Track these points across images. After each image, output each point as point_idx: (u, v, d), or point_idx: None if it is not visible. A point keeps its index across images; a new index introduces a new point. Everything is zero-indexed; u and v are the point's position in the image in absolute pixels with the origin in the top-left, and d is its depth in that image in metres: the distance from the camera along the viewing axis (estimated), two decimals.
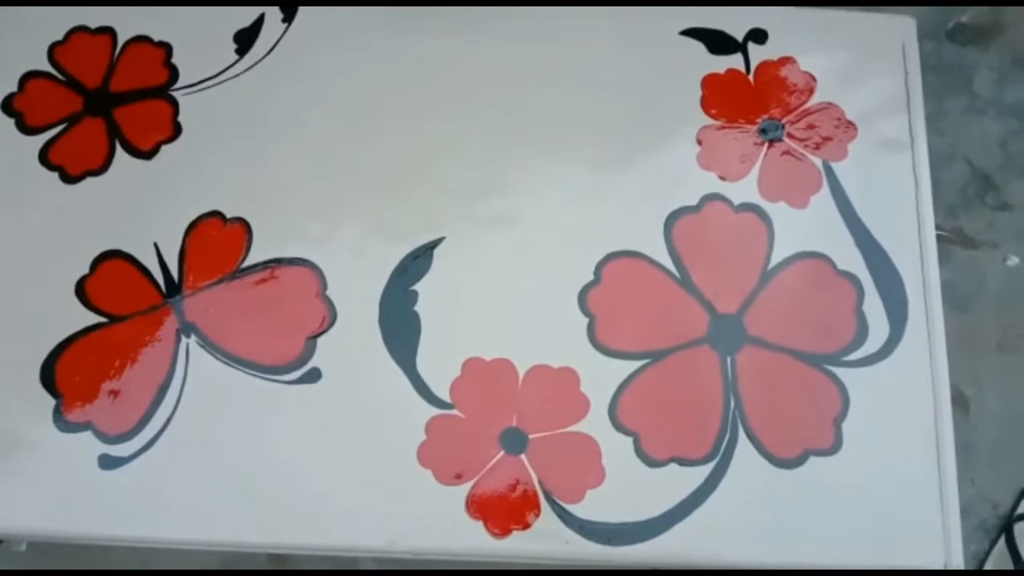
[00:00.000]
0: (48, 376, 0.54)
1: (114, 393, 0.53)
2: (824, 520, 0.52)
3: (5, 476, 0.52)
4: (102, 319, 0.55)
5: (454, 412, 0.53)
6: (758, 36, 0.63)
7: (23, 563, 0.58)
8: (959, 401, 0.77)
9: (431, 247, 0.57)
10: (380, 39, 0.62)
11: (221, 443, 0.52)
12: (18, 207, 0.58)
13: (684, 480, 0.52)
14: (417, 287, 0.56)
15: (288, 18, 0.62)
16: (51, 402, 0.53)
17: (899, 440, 0.53)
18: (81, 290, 0.55)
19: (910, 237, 0.57)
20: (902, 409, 0.54)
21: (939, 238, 0.59)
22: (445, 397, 0.53)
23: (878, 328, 0.55)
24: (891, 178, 0.59)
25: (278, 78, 0.61)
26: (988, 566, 0.82)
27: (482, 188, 0.59)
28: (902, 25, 0.63)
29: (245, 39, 0.62)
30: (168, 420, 0.53)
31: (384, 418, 0.53)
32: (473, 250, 0.57)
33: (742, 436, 0.53)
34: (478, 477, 0.52)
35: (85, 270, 0.56)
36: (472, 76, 0.61)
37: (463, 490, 0.52)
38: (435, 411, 0.53)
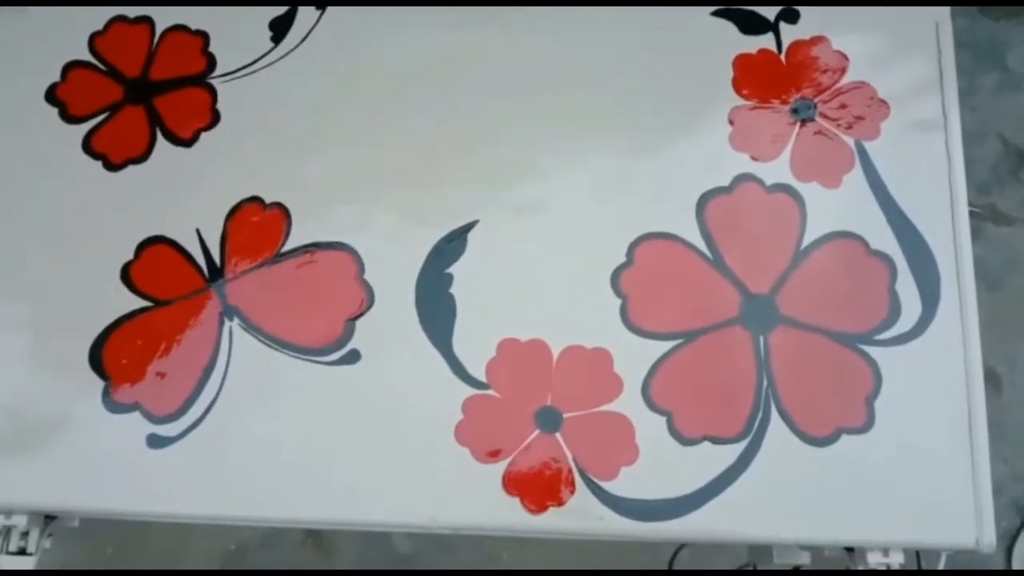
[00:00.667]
0: (96, 359, 0.55)
1: (160, 375, 0.55)
2: (856, 498, 0.52)
3: (58, 456, 0.53)
4: (147, 303, 0.56)
5: (490, 392, 0.54)
6: (790, 16, 0.62)
7: (76, 537, 0.60)
8: (991, 379, 0.77)
9: (465, 231, 0.58)
10: (412, 29, 0.63)
11: (264, 423, 0.54)
12: (63, 195, 0.59)
13: (717, 458, 0.52)
14: (452, 270, 0.57)
15: (321, 4, 0.63)
16: (100, 384, 0.55)
17: (931, 419, 0.53)
18: (127, 275, 0.57)
19: (943, 217, 0.57)
20: (934, 388, 0.54)
21: (971, 215, 0.59)
22: (481, 377, 0.54)
23: (911, 307, 0.55)
24: (924, 157, 0.59)
25: (313, 65, 0.62)
26: (1020, 543, 0.82)
27: (515, 173, 0.59)
28: (935, 4, 0.62)
29: (280, 27, 0.63)
30: (213, 401, 0.54)
31: (422, 398, 0.54)
32: (506, 233, 0.58)
33: (774, 415, 0.53)
34: (514, 455, 0.53)
35: (130, 256, 0.57)
36: (503, 63, 0.62)
37: (500, 468, 0.53)
38: (471, 391, 0.54)
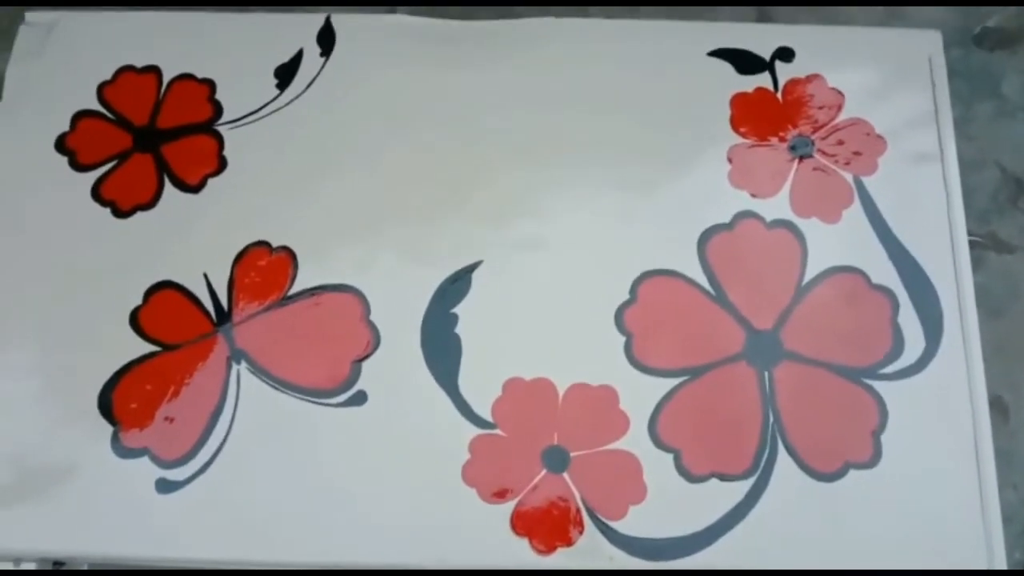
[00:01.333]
0: (106, 404, 0.56)
1: (169, 419, 0.55)
2: (866, 532, 0.52)
3: (67, 502, 0.54)
4: (156, 348, 0.57)
5: (496, 431, 0.54)
6: (785, 54, 0.64)
7: None
8: (998, 407, 0.76)
9: (469, 271, 0.58)
10: (411, 70, 0.64)
11: (272, 465, 0.54)
12: (73, 242, 0.60)
13: (725, 495, 0.53)
14: (457, 310, 0.57)
15: (326, 52, 0.65)
16: (109, 429, 0.55)
17: (939, 451, 0.54)
18: (135, 320, 0.58)
19: (943, 249, 0.58)
20: (941, 420, 0.54)
21: (972, 244, 0.59)
22: (487, 417, 0.55)
23: (914, 340, 0.56)
24: (922, 190, 0.60)
25: (317, 111, 0.63)
26: None
27: (517, 212, 0.60)
28: (928, 39, 0.64)
29: (285, 74, 0.64)
30: (221, 444, 0.55)
31: (429, 438, 0.54)
32: (510, 273, 0.58)
33: (781, 451, 0.53)
34: (522, 495, 0.53)
35: (139, 301, 0.58)
36: (501, 103, 0.63)
37: (507, 508, 0.53)
38: (478, 431, 0.54)
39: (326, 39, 0.65)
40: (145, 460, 0.54)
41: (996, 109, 0.99)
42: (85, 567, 0.58)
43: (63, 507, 0.54)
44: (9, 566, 0.54)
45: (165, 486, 0.54)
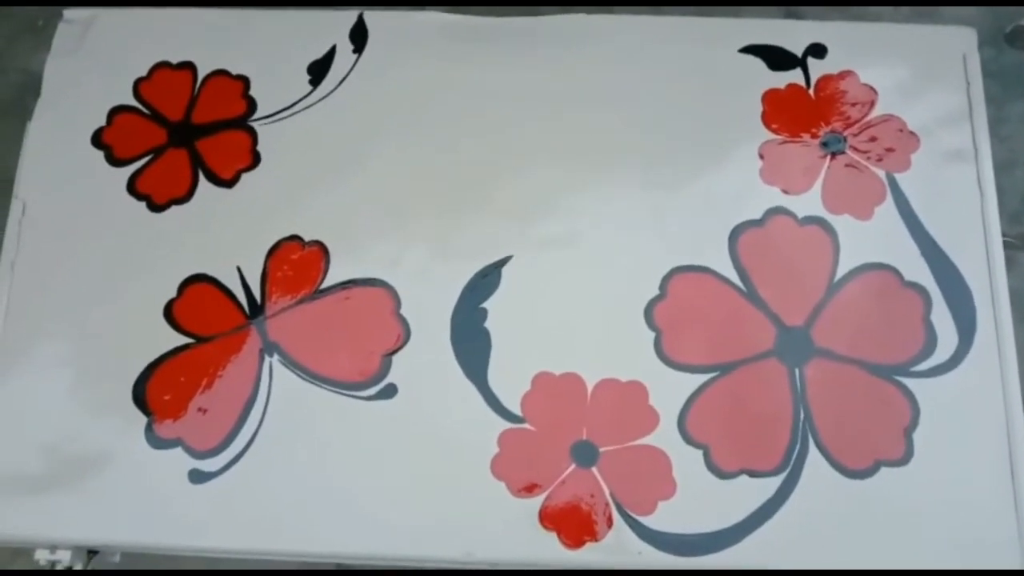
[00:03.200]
0: (140, 395, 0.56)
1: (202, 410, 0.56)
2: (896, 531, 0.52)
3: (101, 491, 0.54)
4: (190, 340, 0.58)
5: (525, 426, 0.55)
6: (817, 51, 0.63)
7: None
8: None
9: (499, 265, 0.58)
10: (442, 66, 0.64)
11: (303, 457, 0.55)
12: (109, 235, 0.61)
13: (755, 492, 0.52)
14: (487, 305, 0.58)
15: (358, 49, 0.65)
16: (143, 420, 0.56)
17: (971, 449, 0.53)
18: (169, 313, 0.58)
19: (976, 247, 0.57)
20: (973, 418, 0.54)
21: (1005, 245, 0.59)
22: (516, 411, 0.55)
23: (947, 338, 0.55)
24: (955, 188, 0.59)
25: (349, 107, 0.63)
26: None
27: (548, 207, 0.60)
28: (962, 36, 0.63)
29: (318, 70, 0.64)
30: (253, 435, 0.55)
31: (458, 432, 0.55)
32: (540, 268, 0.59)
33: (812, 448, 0.53)
34: (550, 489, 0.53)
35: (173, 294, 0.59)
36: (532, 98, 0.63)
37: (536, 502, 0.53)
38: (507, 425, 0.55)
39: (359, 36, 0.65)
40: (178, 451, 0.55)
41: None
42: (117, 557, 0.59)
43: (97, 496, 0.54)
44: (46, 554, 0.55)
45: (198, 476, 0.54)
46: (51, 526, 0.54)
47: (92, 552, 0.57)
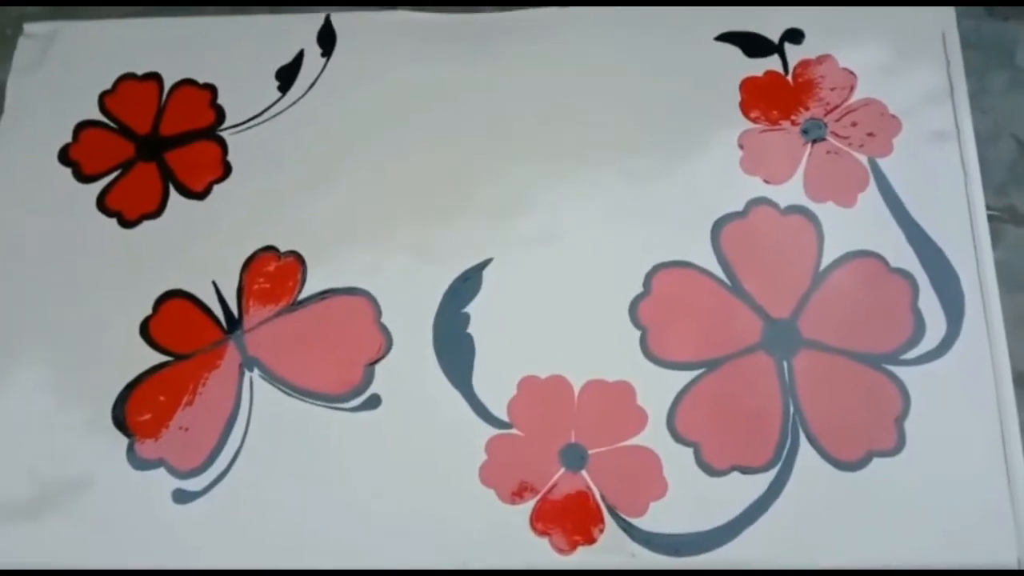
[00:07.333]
0: (119, 416, 0.55)
1: (184, 429, 0.55)
2: (892, 520, 0.51)
3: (85, 515, 0.53)
4: (167, 358, 0.57)
5: (513, 431, 0.54)
6: (794, 36, 0.62)
7: None
8: (1022, 383, 0.75)
9: (480, 268, 0.58)
10: (413, 66, 0.63)
11: (289, 472, 0.54)
12: (80, 254, 0.60)
13: (747, 488, 0.52)
14: (468, 309, 0.57)
15: (327, 52, 0.64)
16: (124, 441, 0.55)
17: (964, 435, 0.52)
18: (145, 330, 0.57)
19: (962, 229, 0.57)
20: (964, 404, 0.53)
21: (990, 218, 0.58)
22: (503, 416, 0.54)
23: (936, 324, 0.54)
24: (939, 170, 0.58)
25: (320, 112, 0.62)
26: None
27: (525, 207, 0.59)
28: (941, 15, 0.62)
29: (286, 76, 0.63)
30: (237, 452, 0.54)
31: (445, 440, 0.54)
32: (521, 269, 0.58)
33: (803, 441, 0.53)
34: (541, 494, 0.52)
35: (148, 311, 0.58)
36: (506, 95, 0.62)
37: (527, 508, 0.52)
38: (494, 431, 0.54)
39: (326, 39, 0.64)
40: (161, 471, 0.54)
41: (1011, 80, 0.97)
42: None
43: (81, 520, 0.53)
44: None
45: (182, 496, 0.53)
46: (33, 552, 0.53)
47: None
